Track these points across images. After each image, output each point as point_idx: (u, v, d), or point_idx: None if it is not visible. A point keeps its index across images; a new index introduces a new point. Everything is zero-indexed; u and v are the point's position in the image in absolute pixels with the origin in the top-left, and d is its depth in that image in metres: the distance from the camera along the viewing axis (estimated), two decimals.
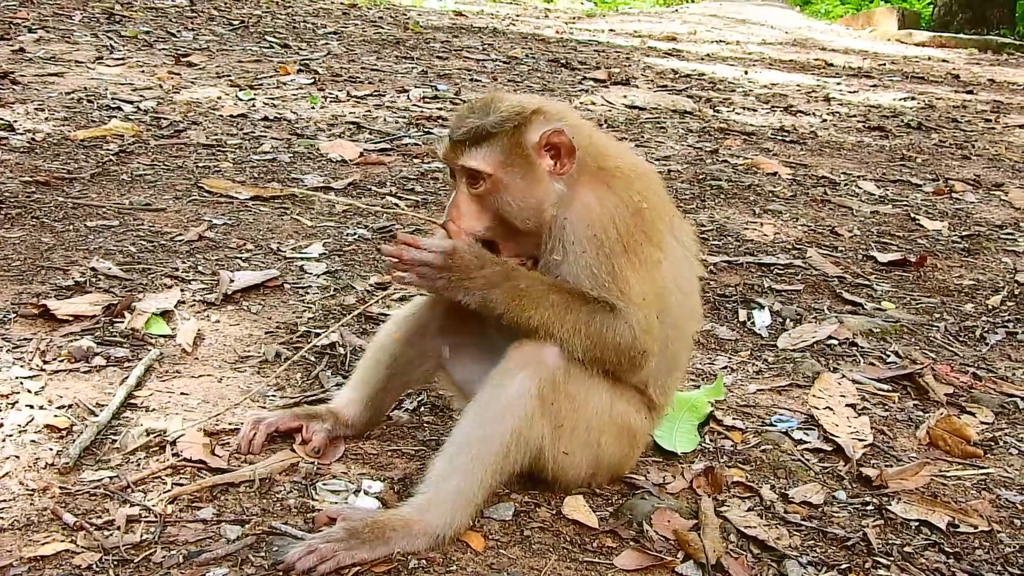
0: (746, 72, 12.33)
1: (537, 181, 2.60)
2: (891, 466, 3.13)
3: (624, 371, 2.65)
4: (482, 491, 2.55)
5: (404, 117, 7.58)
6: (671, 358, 2.78)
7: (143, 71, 8.18)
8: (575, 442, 2.66)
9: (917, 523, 2.83)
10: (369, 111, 7.69)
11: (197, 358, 3.45)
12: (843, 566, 2.61)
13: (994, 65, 15.70)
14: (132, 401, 3.08)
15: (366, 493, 2.72)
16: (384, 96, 8.33)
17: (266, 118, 7.06)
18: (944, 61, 15.77)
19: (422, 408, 3.26)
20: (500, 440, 2.53)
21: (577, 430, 2.64)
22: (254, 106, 7.39)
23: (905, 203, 6.45)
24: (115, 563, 2.34)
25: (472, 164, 2.59)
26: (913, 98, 11.03)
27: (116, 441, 2.86)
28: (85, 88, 7.26)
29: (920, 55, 16.55)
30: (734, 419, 3.36)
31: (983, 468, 3.18)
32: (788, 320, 4.27)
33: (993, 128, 9.62)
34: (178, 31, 10.37)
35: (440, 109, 7.98)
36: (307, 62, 9.42)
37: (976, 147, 8.57)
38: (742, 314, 4.30)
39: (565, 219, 2.60)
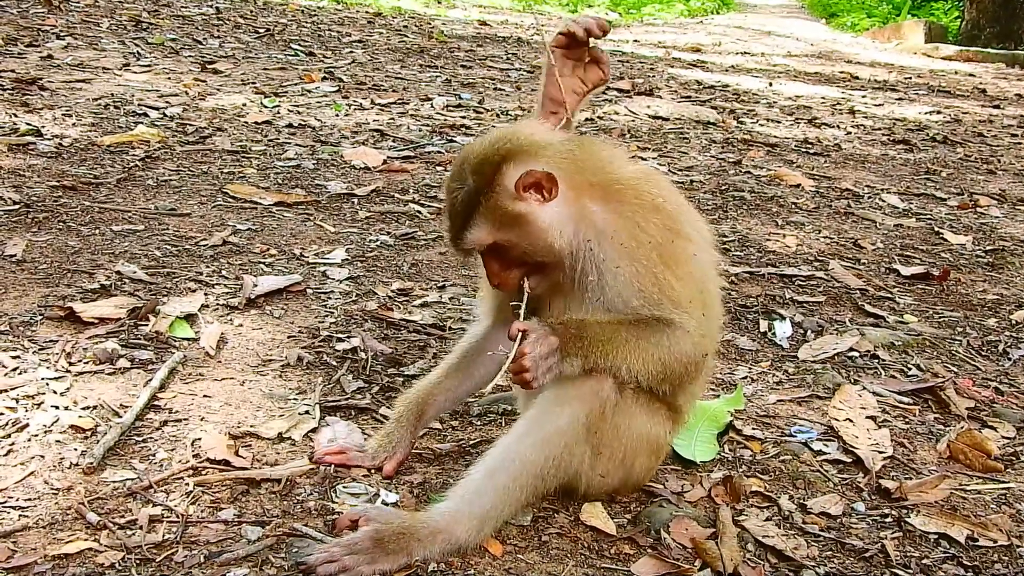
0: (771, 84, 12.30)
1: (533, 221, 2.52)
2: (911, 479, 3.12)
3: (689, 380, 2.65)
4: (514, 509, 2.58)
5: (428, 125, 7.61)
6: None
7: (169, 78, 8.26)
8: (611, 465, 2.68)
9: (936, 536, 2.82)
10: (393, 119, 7.73)
11: (220, 361, 3.48)
12: None
13: (1021, 80, 15.59)
14: (156, 403, 3.12)
15: (383, 503, 2.73)
16: (408, 104, 8.38)
17: (290, 125, 7.11)
18: (971, 75, 15.69)
19: (443, 414, 3.27)
20: (542, 465, 2.53)
21: (615, 455, 2.66)
22: (279, 113, 7.45)
23: (929, 217, 6.42)
24: (137, 562, 2.37)
25: (474, 246, 2.57)
26: (939, 112, 10.97)
27: (139, 442, 2.89)
28: (112, 94, 7.34)
29: (947, 69, 16.47)
30: (753, 429, 3.36)
31: (1003, 482, 3.16)
32: (809, 331, 4.26)
33: (1019, 143, 9.56)
34: (204, 39, 10.47)
35: (464, 117, 8.01)
36: (332, 70, 9.48)
37: (1002, 162, 8.53)
38: (763, 325, 4.30)
39: (588, 241, 2.55)
